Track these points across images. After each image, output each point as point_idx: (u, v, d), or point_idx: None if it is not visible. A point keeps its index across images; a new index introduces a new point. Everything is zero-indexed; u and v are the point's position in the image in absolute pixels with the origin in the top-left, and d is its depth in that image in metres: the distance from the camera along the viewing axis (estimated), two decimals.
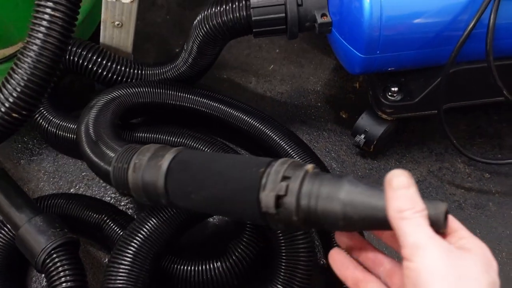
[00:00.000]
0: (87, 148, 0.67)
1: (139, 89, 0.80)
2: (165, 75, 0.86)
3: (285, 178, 0.46)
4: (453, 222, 0.41)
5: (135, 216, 0.81)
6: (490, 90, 0.71)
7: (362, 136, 0.83)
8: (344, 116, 0.92)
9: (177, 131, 0.82)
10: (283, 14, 0.72)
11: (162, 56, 1.02)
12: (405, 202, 0.40)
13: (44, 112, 0.82)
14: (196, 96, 0.83)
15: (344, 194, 0.43)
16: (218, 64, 0.93)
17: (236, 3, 0.74)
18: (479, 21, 0.64)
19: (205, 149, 0.79)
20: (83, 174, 0.87)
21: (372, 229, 0.45)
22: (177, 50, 1.04)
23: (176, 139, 0.81)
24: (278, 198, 0.46)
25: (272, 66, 1.00)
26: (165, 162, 0.55)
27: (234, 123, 0.82)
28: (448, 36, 0.67)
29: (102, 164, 0.64)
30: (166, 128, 0.83)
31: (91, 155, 0.66)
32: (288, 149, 0.79)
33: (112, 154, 0.63)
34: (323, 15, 0.72)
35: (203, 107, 0.83)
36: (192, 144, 0.80)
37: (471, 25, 0.63)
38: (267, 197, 0.46)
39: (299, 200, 0.45)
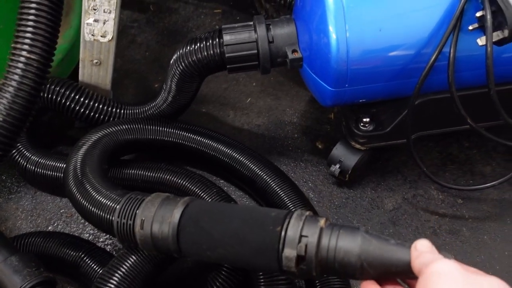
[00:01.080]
0: (81, 198, 0.65)
1: (126, 126, 0.80)
2: (145, 114, 0.87)
3: (302, 236, 0.49)
4: None
5: (114, 253, 0.81)
6: (457, 119, 0.73)
7: (337, 166, 0.84)
8: (320, 146, 0.95)
9: (160, 167, 0.82)
10: (255, 51, 0.75)
11: (141, 92, 1.04)
12: (427, 251, 0.46)
13: (23, 149, 0.83)
14: (181, 130, 0.85)
15: (359, 250, 0.47)
16: (197, 98, 0.95)
17: (210, 41, 0.77)
18: (441, 54, 0.67)
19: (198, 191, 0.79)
20: (61, 211, 0.87)
21: (386, 278, 0.48)
22: (156, 86, 1.06)
23: (158, 175, 0.82)
24: (299, 258, 0.49)
25: (249, 99, 1.02)
26: (174, 219, 0.55)
27: (218, 156, 0.84)
28: (413, 69, 0.70)
29: (102, 214, 0.62)
30: (152, 164, 0.83)
31: (87, 204, 0.64)
32: (271, 182, 0.81)
33: (111, 204, 0.61)
34: (294, 51, 0.75)
35: (188, 141, 0.84)
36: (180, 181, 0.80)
37: (432, 59, 0.66)
38: (287, 258, 0.49)
39: (318, 258, 0.49)
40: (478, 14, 0.63)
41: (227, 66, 0.77)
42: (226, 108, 1.01)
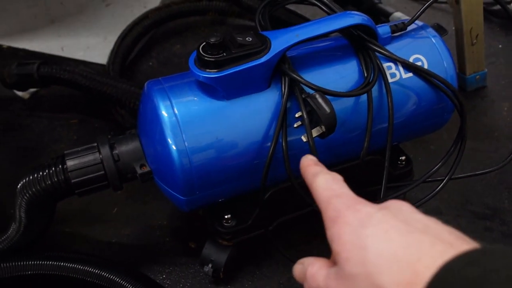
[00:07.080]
0: None
1: None
2: None
3: None
4: None
5: None
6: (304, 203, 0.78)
7: (210, 265, 0.84)
8: (193, 246, 0.94)
9: None
10: (102, 172, 0.74)
11: None
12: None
13: None
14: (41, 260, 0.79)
15: None
16: (59, 217, 0.91)
17: (53, 168, 0.75)
18: (277, 150, 0.72)
19: None
20: None
21: None
22: (12, 211, 0.98)
23: None
24: None
25: (115, 209, 1.00)
26: None
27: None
28: (255, 167, 0.74)
29: None
30: None
31: None
32: None
33: None
34: (142, 165, 0.75)
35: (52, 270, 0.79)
36: None
37: (268, 157, 0.71)
38: None
39: None
40: (297, 115, 0.70)
41: (75, 191, 0.75)
42: (92, 222, 0.97)
